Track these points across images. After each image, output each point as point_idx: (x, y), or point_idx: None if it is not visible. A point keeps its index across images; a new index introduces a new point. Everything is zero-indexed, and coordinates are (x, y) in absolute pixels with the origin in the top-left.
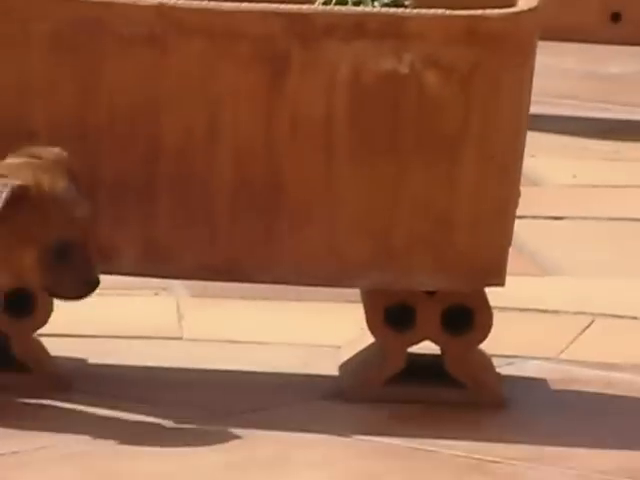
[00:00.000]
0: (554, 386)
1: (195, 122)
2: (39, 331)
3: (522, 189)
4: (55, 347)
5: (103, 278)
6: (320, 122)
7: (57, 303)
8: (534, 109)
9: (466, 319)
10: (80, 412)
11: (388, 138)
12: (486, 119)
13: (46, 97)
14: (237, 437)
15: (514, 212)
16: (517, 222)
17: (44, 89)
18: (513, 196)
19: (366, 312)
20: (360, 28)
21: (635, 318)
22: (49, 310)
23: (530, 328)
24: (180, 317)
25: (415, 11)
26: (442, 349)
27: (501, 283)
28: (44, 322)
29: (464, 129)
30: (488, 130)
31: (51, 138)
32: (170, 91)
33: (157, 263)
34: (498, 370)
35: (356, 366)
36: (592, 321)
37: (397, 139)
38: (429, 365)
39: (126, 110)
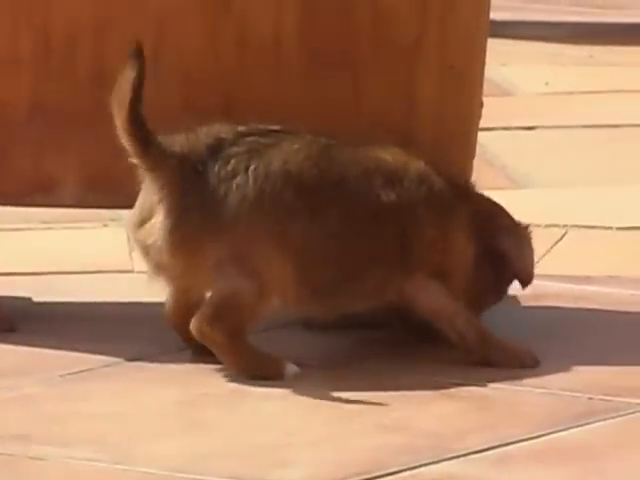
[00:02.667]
0: (525, 302)
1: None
2: None
3: (493, 99)
4: None
5: (48, 211)
6: (269, 38)
7: None
8: (503, 15)
9: None
10: (24, 353)
11: (342, 52)
12: (443, 27)
13: None
14: (190, 373)
15: (477, 123)
16: (487, 134)
17: None
18: (475, 107)
19: None
20: None
21: (609, 228)
22: None
23: None
24: (131, 249)
25: None
26: None
27: None
28: None
29: (421, 39)
30: (446, 39)
31: None
32: (111, 10)
33: (103, 193)
34: None
35: None
36: (565, 233)
37: (351, 53)
38: None
39: (65, 31)
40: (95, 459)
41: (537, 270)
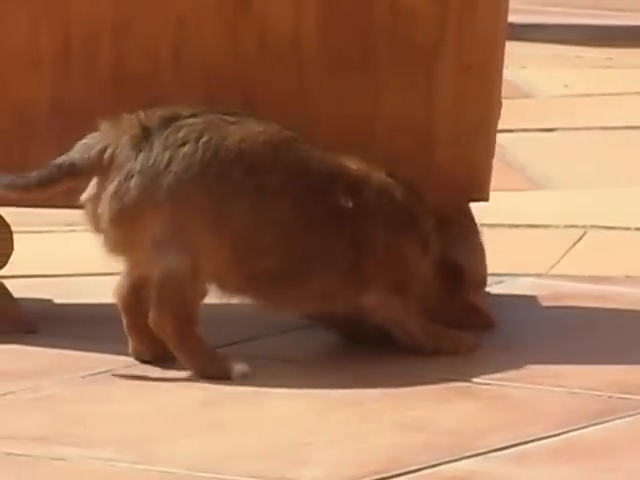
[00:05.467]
0: (545, 303)
1: (159, 44)
2: (0, 273)
3: (513, 102)
4: (18, 288)
5: (71, 213)
6: (289, 38)
7: (19, 243)
8: (522, 18)
9: None
10: (45, 355)
11: (361, 52)
12: (462, 27)
13: None
14: None
15: (496, 124)
16: (507, 136)
17: None
18: (494, 107)
19: None
20: None
21: (628, 229)
22: (9, 251)
23: (520, 244)
24: None
25: None
26: None
27: (485, 198)
28: (4, 263)
29: (440, 39)
30: (465, 39)
31: (1, 68)
32: (131, 9)
33: None
34: (487, 289)
35: None
36: (584, 234)
37: (371, 53)
38: None
39: (85, 31)
40: (116, 459)
41: (556, 271)
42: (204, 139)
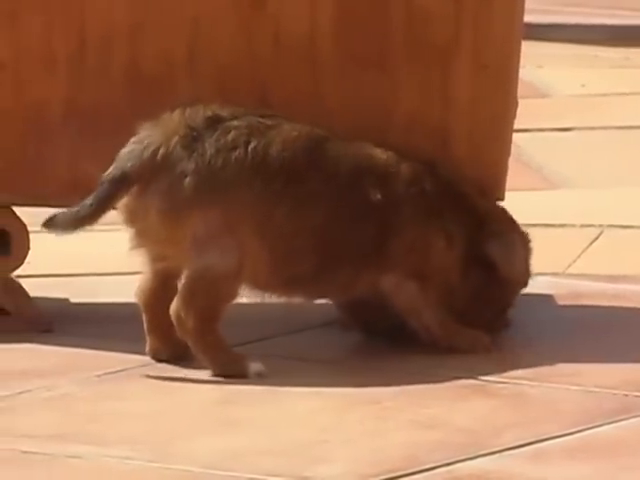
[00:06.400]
0: (562, 302)
1: (174, 45)
2: (17, 272)
3: (530, 101)
4: (35, 288)
5: None
6: (304, 38)
7: (35, 242)
8: (539, 18)
9: None
10: (61, 354)
11: (377, 52)
12: (478, 27)
13: (9, 23)
14: None
15: (512, 123)
16: (524, 136)
17: (6, 16)
18: (510, 106)
19: None
20: None
21: None
22: (26, 250)
23: (537, 244)
24: None
25: None
26: None
27: (500, 197)
28: (21, 262)
29: (455, 38)
30: (480, 38)
31: (17, 68)
32: (147, 10)
33: None
34: None
35: None
36: (600, 233)
37: (386, 52)
38: None
39: (100, 32)
40: (131, 457)
41: (572, 270)
42: (252, 145)
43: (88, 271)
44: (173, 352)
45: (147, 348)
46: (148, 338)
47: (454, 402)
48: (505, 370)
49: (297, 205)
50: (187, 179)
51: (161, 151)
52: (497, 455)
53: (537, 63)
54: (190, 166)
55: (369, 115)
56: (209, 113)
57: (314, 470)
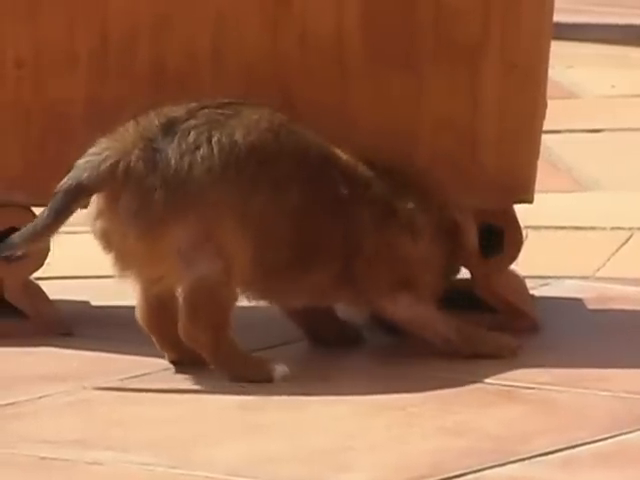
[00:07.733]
0: (590, 305)
1: (198, 41)
2: (36, 274)
3: (559, 102)
4: (55, 290)
5: None
6: (330, 37)
7: (55, 244)
8: (569, 18)
9: (495, 240)
10: (82, 357)
11: (404, 51)
12: (506, 25)
13: (29, 19)
14: None
15: (541, 124)
16: (553, 137)
17: (26, 12)
18: (539, 107)
19: None
20: None
21: None
22: (45, 252)
23: (566, 246)
24: None
25: None
26: (472, 272)
27: (529, 199)
28: (40, 264)
29: (484, 38)
30: (509, 37)
31: (37, 66)
32: (170, 7)
33: None
34: (533, 292)
35: None
36: (630, 236)
37: (414, 52)
38: (460, 291)
39: (123, 29)
40: (153, 463)
41: (601, 273)
42: (215, 139)
43: (109, 273)
44: (192, 359)
45: (167, 359)
46: (165, 354)
47: (481, 408)
48: (533, 375)
49: (273, 187)
50: (156, 194)
51: (121, 165)
52: (527, 462)
53: (567, 63)
54: (157, 181)
55: (396, 115)
56: (163, 119)
57: (339, 477)
